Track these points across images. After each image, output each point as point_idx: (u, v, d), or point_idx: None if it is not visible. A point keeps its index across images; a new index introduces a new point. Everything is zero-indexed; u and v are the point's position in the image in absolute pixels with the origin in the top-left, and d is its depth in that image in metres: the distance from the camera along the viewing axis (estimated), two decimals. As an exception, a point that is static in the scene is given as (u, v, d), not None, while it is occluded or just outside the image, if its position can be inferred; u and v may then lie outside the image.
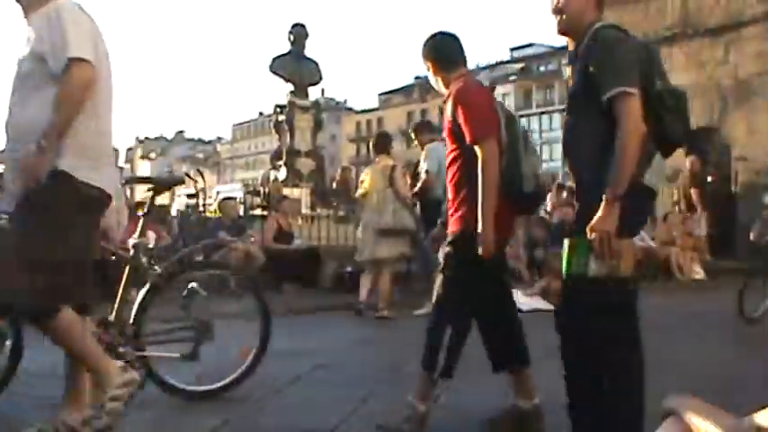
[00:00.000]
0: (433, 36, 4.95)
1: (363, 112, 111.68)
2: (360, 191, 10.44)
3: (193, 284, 5.46)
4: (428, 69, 4.92)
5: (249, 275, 6.10)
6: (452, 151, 4.72)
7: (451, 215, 4.70)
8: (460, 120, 4.52)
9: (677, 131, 3.73)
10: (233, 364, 5.56)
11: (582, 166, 3.81)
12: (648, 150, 3.63)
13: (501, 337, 4.82)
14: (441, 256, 4.82)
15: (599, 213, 3.46)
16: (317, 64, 19.11)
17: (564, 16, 3.85)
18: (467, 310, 4.65)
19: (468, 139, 4.48)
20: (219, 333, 5.44)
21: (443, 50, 4.89)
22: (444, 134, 4.86)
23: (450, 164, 4.76)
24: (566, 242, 3.68)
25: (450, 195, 4.76)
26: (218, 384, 5.49)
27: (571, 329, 3.76)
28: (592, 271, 3.54)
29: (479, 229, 4.38)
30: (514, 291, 11.16)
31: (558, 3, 3.85)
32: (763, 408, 1.71)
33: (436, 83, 4.93)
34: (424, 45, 4.91)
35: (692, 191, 16.11)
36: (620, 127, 3.47)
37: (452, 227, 4.67)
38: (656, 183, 3.81)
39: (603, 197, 3.46)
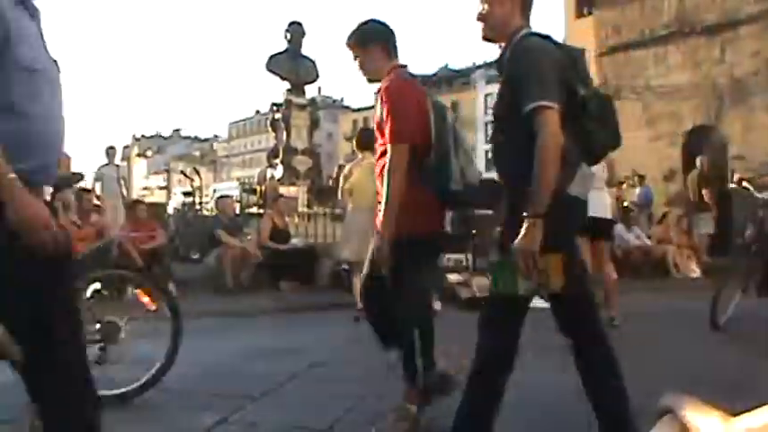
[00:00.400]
0: (364, 23, 4.82)
1: (360, 110, 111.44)
2: (346, 185, 10.15)
3: (96, 285, 5.30)
4: (355, 59, 4.78)
5: (152, 275, 5.73)
6: (381, 145, 4.67)
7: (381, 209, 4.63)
8: (384, 117, 4.48)
9: (602, 137, 3.70)
10: (142, 367, 5.40)
11: (510, 180, 3.74)
12: (572, 161, 3.59)
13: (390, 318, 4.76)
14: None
15: (522, 232, 3.42)
16: (313, 62, 19.11)
17: (488, 24, 3.81)
18: (423, 306, 4.70)
19: (387, 138, 4.46)
20: (128, 335, 5.27)
21: (373, 40, 4.76)
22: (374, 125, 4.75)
23: (380, 157, 4.70)
24: (494, 261, 3.66)
25: (379, 188, 4.67)
26: (126, 389, 5.26)
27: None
28: (520, 290, 3.52)
29: (380, 232, 4.42)
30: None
31: (481, 10, 3.79)
32: (759, 407, 1.71)
33: (363, 74, 4.82)
34: (352, 34, 4.78)
35: (704, 191, 16.10)
36: (537, 143, 3.41)
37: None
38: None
39: (524, 215, 3.42)
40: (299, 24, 18.90)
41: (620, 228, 15.05)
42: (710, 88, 20.23)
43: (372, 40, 4.73)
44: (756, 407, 1.73)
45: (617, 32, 22.73)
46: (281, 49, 18.74)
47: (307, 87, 19.43)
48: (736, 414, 1.81)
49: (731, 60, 19.89)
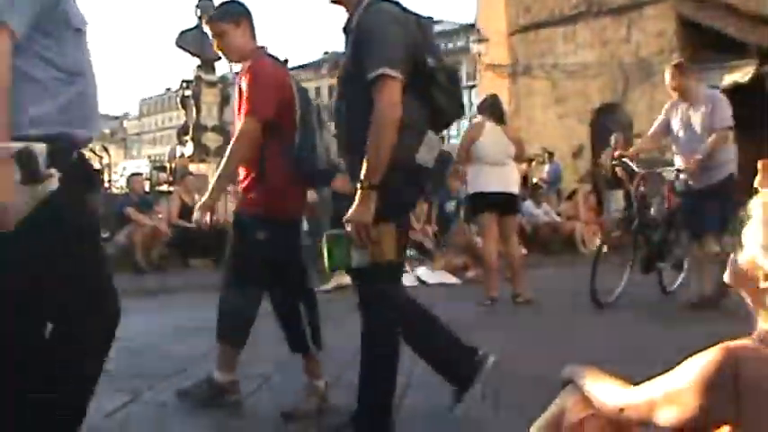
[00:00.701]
0: (224, 4, 4.72)
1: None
2: None
3: None
4: (214, 37, 4.67)
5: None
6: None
7: (242, 192, 4.63)
8: (245, 95, 4.43)
9: (449, 108, 3.72)
10: None
11: (350, 147, 3.72)
12: (419, 129, 3.59)
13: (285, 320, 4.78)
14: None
15: (355, 202, 3.41)
16: (224, 38, 18.89)
17: None
18: (300, 283, 4.78)
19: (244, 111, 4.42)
20: None
21: (243, 17, 4.67)
22: (236, 108, 4.63)
23: None
24: (325, 235, 3.65)
25: (241, 173, 4.62)
26: None
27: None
28: (355, 262, 3.52)
29: (205, 197, 4.47)
30: (419, 267, 11.28)
31: None
32: (654, 377, 1.76)
33: (227, 53, 4.77)
34: (221, 10, 4.68)
35: (618, 168, 16.37)
36: (374, 112, 3.39)
37: (244, 207, 4.62)
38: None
39: (358, 185, 3.42)
40: (210, 0, 18.65)
41: (529, 204, 15.26)
42: (617, 67, 20.59)
43: (242, 18, 4.63)
44: (656, 375, 1.78)
45: (528, 12, 22.90)
46: (192, 26, 18.49)
47: (218, 64, 19.22)
48: (636, 383, 1.86)
49: (637, 40, 20.25)
